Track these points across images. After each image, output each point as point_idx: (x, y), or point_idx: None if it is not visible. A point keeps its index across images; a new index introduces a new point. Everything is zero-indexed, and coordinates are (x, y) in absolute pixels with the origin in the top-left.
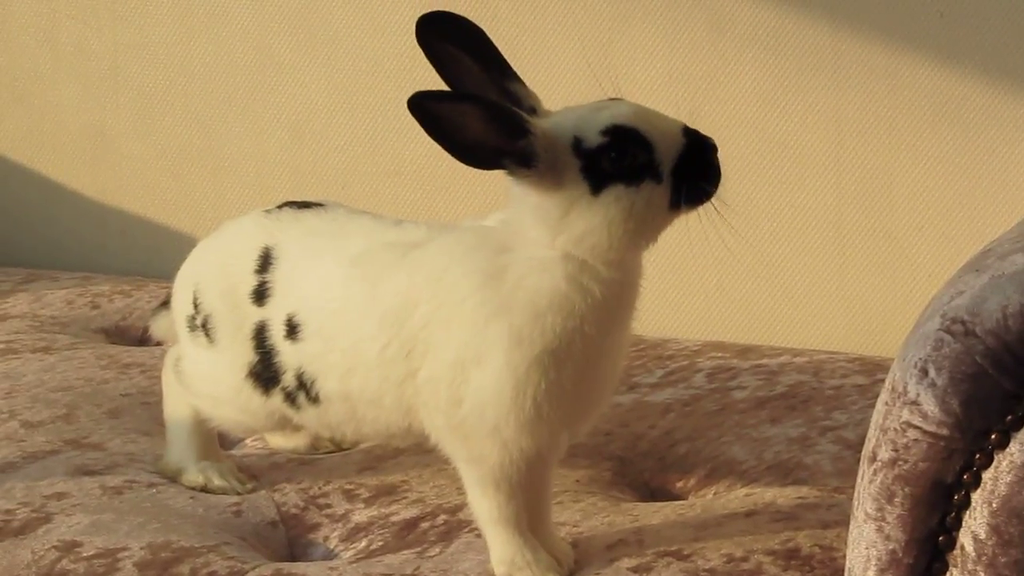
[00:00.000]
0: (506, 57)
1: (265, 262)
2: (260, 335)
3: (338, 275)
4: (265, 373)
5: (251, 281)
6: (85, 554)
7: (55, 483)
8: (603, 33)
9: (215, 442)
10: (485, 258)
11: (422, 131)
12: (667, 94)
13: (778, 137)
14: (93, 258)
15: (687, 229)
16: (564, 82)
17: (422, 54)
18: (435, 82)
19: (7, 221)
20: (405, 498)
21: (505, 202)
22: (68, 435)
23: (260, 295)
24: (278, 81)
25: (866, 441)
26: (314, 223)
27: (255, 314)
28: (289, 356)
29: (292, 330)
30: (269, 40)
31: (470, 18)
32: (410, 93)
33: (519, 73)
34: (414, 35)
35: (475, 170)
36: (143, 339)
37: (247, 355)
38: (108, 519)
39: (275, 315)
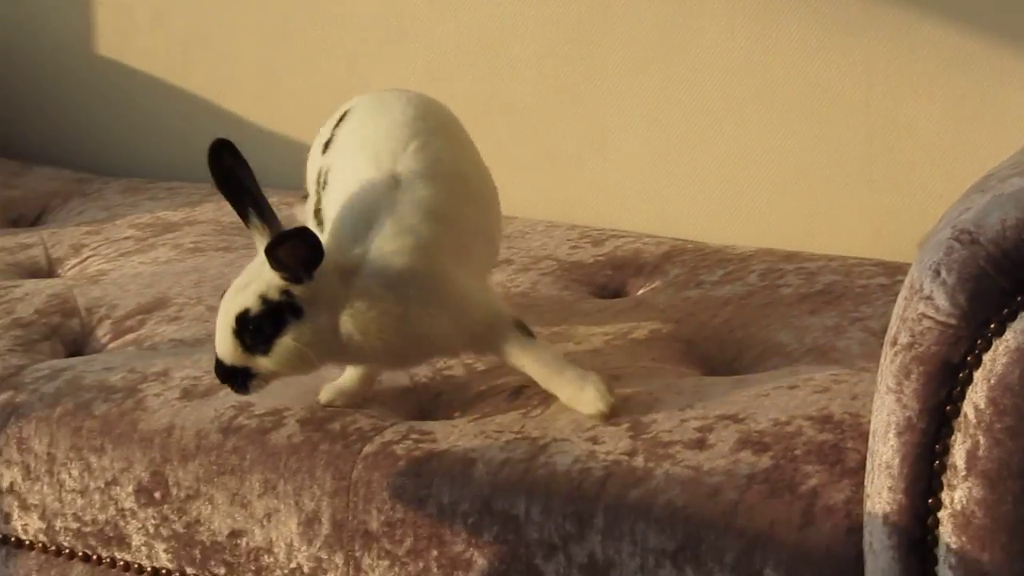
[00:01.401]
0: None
1: (341, 120)
2: (317, 180)
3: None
4: (316, 215)
5: (327, 133)
6: (256, 412)
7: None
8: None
9: None
10: None
11: (531, 71)
12: (730, 49)
13: (819, 83)
14: (262, 176)
15: (744, 158)
16: (636, 43)
17: (534, 10)
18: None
19: (200, 146)
20: (512, 372)
21: None
22: None
23: (326, 146)
24: (412, 30)
25: (888, 329)
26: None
27: (319, 161)
28: (322, 201)
29: (324, 179)
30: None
31: None
32: (519, 40)
33: (596, 30)
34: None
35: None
36: None
37: (313, 197)
38: (275, 385)
39: (325, 164)
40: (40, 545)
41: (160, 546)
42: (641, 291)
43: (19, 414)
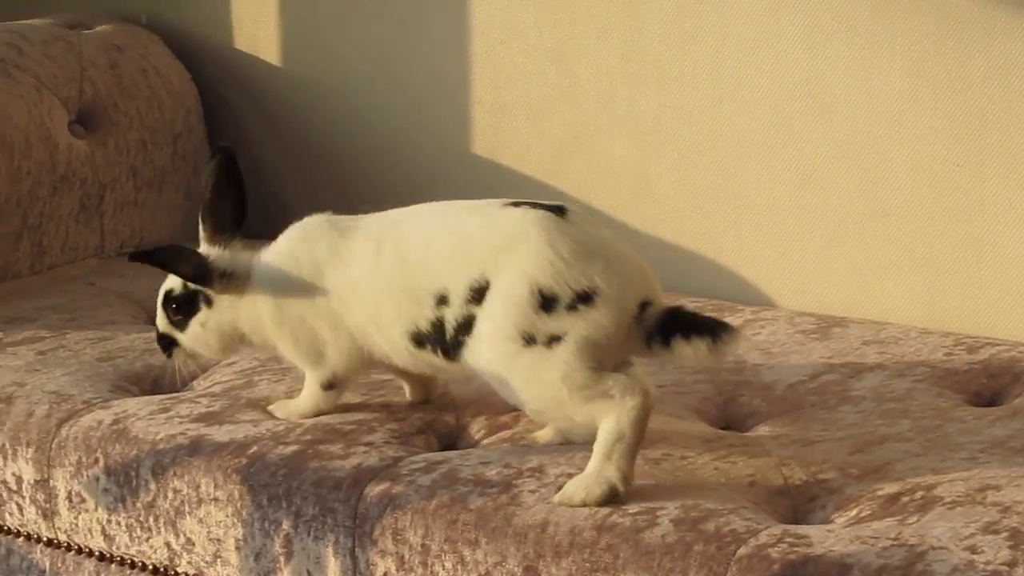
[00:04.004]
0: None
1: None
2: None
3: None
4: None
5: None
6: (630, 511)
7: None
8: None
9: None
10: None
11: (908, 176)
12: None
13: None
14: None
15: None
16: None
17: (910, 117)
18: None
19: None
20: (888, 476)
21: None
22: None
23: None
24: (788, 137)
25: None
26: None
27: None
28: None
29: None
30: (782, 103)
31: None
32: (895, 146)
33: (972, 136)
34: (899, 100)
35: None
36: None
37: None
38: (649, 484)
39: None
40: None
41: None
42: (1017, 400)
43: (395, 505)
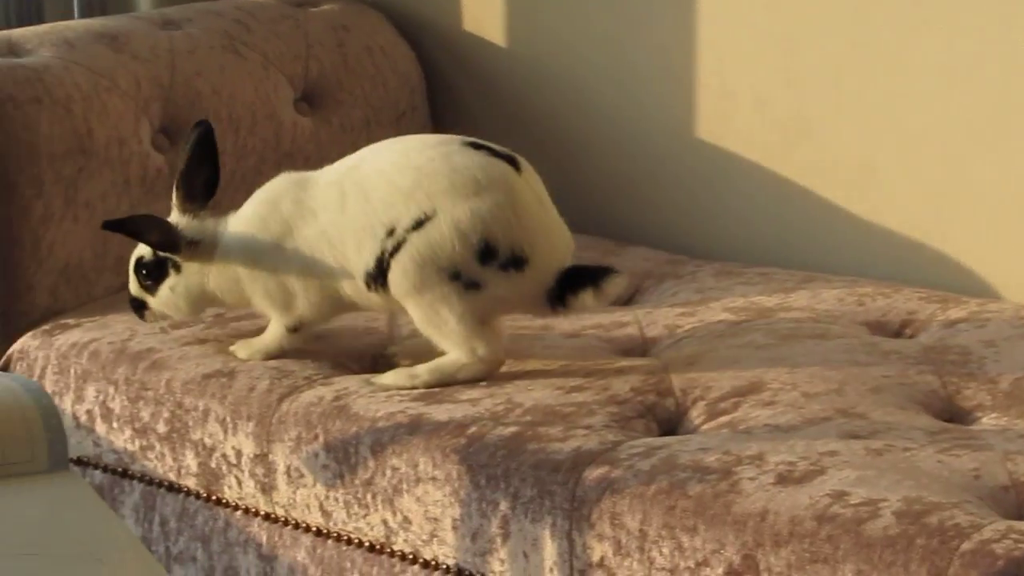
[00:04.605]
0: None
1: None
2: None
3: None
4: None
5: None
6: (852, 502)
7: (828, 443)
8: None
9: None
10: None
11: None
12: None
13: None
14: (857, 265)
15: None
16: None
17: None
18: None
19: (792, 235)
20: None
21: None
22: (838, 405)
23: None
24: (1019, 125)
25: None
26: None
27: None
28: None
29: None
30: (1014, 91)
31: None
32: None
33: None
34: None
35: None
36: (899, 332)
37: None
38: (871, 475)
39: None
40: None
41: None
42: None
43: (613, 489)
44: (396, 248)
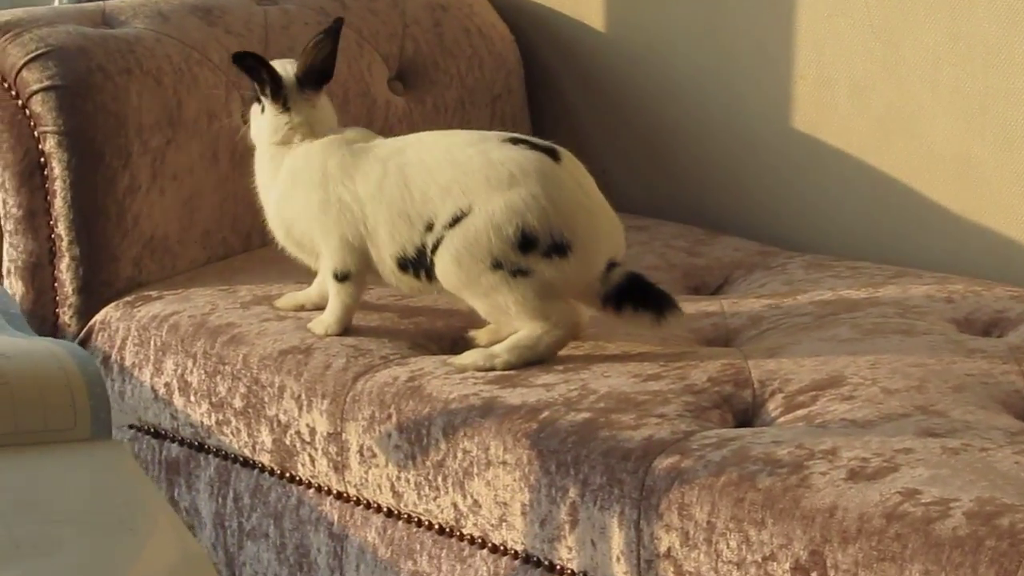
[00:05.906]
0: None
1: None
2: None
3: None
4: None
5: None
6: (923, 500)
7: (904, 440)
8: None
9: None
10: None
11: None
12: None
13: None
14: (951, 261)
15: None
16: None
17: None
18: None
19: (885, 229)
20: None
21: None
22: (918, 402)
23: None
24: None
25: None
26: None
27: None
28: None
29: None
30: None
31: None
32: None
33: None
34: None
35: None
36: (987, 330)
37: None
38: (945, 474)
39: None
40: None
41: None
42: None
43: (683, 480)
44: (436, 244)
